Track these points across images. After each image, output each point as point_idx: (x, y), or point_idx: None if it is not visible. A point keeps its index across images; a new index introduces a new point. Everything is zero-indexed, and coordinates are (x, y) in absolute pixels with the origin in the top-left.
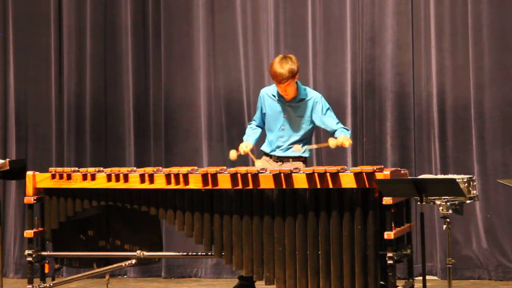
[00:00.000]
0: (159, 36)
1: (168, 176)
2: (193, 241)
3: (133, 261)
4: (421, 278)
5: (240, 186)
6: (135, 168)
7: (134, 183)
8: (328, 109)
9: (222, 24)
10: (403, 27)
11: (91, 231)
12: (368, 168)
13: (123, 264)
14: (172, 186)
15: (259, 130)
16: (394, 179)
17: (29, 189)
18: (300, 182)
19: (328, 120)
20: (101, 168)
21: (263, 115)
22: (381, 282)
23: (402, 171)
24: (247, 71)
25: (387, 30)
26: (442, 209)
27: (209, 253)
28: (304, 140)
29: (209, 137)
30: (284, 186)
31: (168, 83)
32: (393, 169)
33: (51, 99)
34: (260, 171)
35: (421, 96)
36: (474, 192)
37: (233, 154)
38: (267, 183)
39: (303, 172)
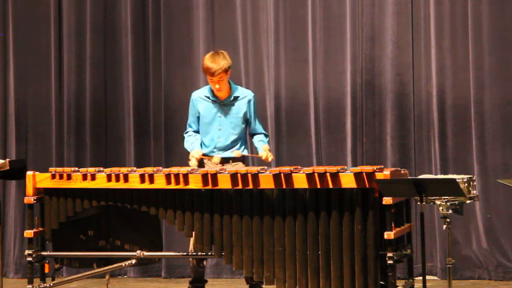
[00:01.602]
0: (159, 36)
1: (168, 176)
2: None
3: (133, 261)
4: (421, 278)
5: (240, 186)
6: (135, 168)
7: (134, 183)
8: (255, 110)
9: (222, 24)
10: (403, 27)
11: (91, 231)
12: (368, 168)
13: (123, 264)
14: (172, 186)
15: (199, 135)
16: (394, 179)
17: (29, 189)
18: (300, 182)
19: (254, 121)
20: (101, 168)
21: (197, 119)
22: (381, 282)
23: (402, 171)
24: (247, 71)
25: (387, 30)
26: (442, 209)
27: (209, 253)
28: (241, 139)
29: None
30: (284, 186)
31: (168, 83)
32: (393, 169)
33: (51, 99)
34: (260, 171)
35: (421, 96)
36: (474, 192)
37: (193, 162)
38: (267, 183)
39: (303, 172)
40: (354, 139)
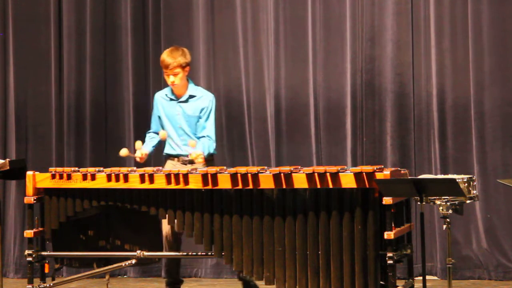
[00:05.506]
0: (159, 36)
1: (168, 176)
2: (193, 241)
3: (133, 261)
4: (421, 278)
5: (240, 186)
6: (135, 168)
7: (134, 183)
8: (210, 112)
9: (222, 24)
10: (403, 27)
11: (91, 231)
12: (368, 168)
13: (123, 264)
14: (172, 186)
15: (157, 137)
16: (394, 179)
17: (29, 189)
18: (300, 182)
19: (205, 121)
20: (101, 168)
21: (159, 119)
22: (381, 282)
23: (402, 171)
24: (247, 71)
25: (387, 30)
26: (442, 209)
27: (209, 253)
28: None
29: None
30: (284, 186)
31: None
32: (393, 169)
33: (51, 99)
34: (260, 171)
35: (421, 96)
36: (474, 192)
37: (124, 152)
38: (267, 183)
39: (303, 172)
40: (354, 139)
